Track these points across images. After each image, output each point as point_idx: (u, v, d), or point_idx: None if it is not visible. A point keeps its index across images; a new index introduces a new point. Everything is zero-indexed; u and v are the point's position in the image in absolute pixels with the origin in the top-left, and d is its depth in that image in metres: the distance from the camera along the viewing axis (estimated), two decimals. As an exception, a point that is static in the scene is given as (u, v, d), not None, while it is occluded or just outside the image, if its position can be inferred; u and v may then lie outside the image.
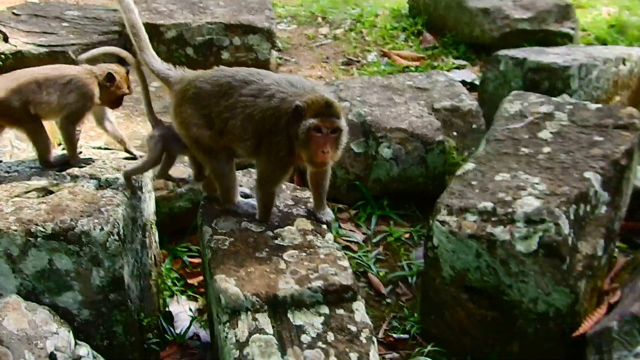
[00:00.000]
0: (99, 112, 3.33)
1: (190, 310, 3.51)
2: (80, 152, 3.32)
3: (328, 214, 3.09)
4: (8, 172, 3.17)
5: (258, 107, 2.79)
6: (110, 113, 3.37)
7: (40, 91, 3.10)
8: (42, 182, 3.07)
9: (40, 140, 3.19)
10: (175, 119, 2.99)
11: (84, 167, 3.20)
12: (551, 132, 3.60)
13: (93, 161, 3.27)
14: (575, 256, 3.04)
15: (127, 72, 3.23)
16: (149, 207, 3.39)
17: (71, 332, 2.78)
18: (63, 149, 3.33)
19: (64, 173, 3.15)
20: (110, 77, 3.16)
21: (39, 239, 2.75)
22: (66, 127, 3.18)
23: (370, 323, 2.66)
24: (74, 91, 3.12)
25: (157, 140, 3.06)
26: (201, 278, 3.69)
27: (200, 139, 2.94)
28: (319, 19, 7.51)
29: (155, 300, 3.43)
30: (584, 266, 3.06)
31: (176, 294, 3.63)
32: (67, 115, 3.16)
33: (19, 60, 5.80)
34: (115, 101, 3.26)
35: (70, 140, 3.20)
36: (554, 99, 3.95)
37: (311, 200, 3.14)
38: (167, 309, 3.52)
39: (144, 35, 3.14)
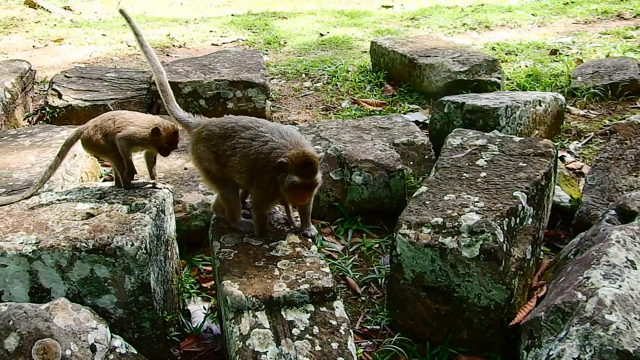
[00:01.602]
0: (150, 153, 3.28)
1: (205, 308, 3.40)
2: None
3: (312, 230, 3.02)
4: (59, 200, 3.10)
5: (253, 148, 2.75)
6: (157, 156, 3.32)
7: (113, 125, 3.10)
8: (85, 207, 3.01)
9: (120, 166, 3.18)
10: (192, 154, 2.99)
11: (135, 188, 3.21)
12: (486, 161, 3.53)
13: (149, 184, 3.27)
14: (509, 259, 2.96)
15: (176, 132, 3.14)
16: (171, 226, 3.29)
17: (108, 327, 2.69)
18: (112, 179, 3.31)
19: (102, 200, 3.07)
20: (154, 131, 3.09)
21: (82, 252, 2.70)
22: (121, 147, 3.11)
23: (348, 318, 2.58)
24: (132, 128, 3.09)
25: None
26: (213, 282, 3.59)
27: (210, 170, 2.91)
28: (303, 75, 7.47)
29: (176, 301, 3.33)
30: (516, 267, 2.98)
31: (193, 296, 3.51)
32: (121, 138, 3.08)
33: (70, 112, 5.83)
34: (160, 150, 3.17)
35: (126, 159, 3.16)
36: (486, 134, 3.89)
37: (299, 219, 3.06)
38: (185, 308, 3.41)
39: (170, 91, 3.14)
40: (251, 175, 2.78)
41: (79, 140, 3.18)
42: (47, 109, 5.81)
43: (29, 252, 2.69)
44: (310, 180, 2.68)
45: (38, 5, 11.44)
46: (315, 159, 2.69)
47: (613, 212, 3.13)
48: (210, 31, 10.07)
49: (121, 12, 3.26)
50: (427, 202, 3.19)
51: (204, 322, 3.28)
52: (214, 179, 2.93)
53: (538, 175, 3.31)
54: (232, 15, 11.70)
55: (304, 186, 2.68)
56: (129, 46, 9.02)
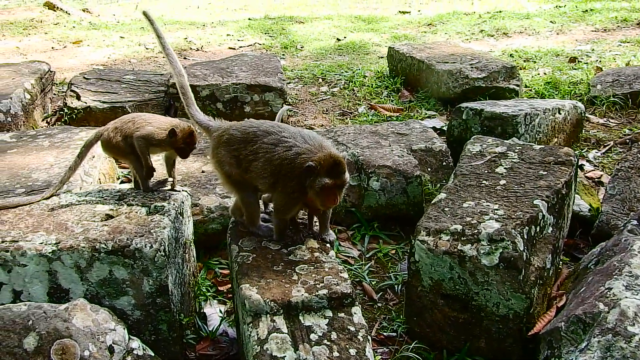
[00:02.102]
0: (170, 156, 3.28)
1: (220, 311, 3.40)
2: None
3: (331, 235, 3.01)
4: (78, 201, 3.12)
5: (276, 154, 2.74)
6: (175, 159, 3.31)
7: (133, 127, 3.11)
8: (105, 209, 3.02)
9: (138, 168, 3.18)
10: (212, 158, 2.98)
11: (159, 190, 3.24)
12: (505, 168, 3.51)
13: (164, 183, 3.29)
14: (529, 268, 2.93)
15: (192, 132, 3.12)
16: (188, 228, 3.30)
17: (126, 329, 2.70)
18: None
19: (121, 201, 3.09)
20: (171, 132, 3.08)
21: (102, 254, 2.71)
22: (139, 147, 3.11)
23: (366, 324, 2.56)
24: (149, 128, 3.10)
25: None
26: (229, 286, 3.59)
27: (231, 174, 2.91)
28: (320, 80, 7.49)
29: (192, 304, 3.33)
30: (536, 276, 2.95)
31: (209, 299, 3.52)
32: (139, 137, 3.09)
33: (88, 113, 5.88)
34: (178, 151, 3.17)
35: (144, 158, 3.15)
36: (506, 141, 3.87)
37: (317, 224, 3.06)
38: (201, 311, 3.42)
39: (191, 95, 3.14)
40: (274, 181, 2.78)
41: (99, 142, 3.20)
42: (66, 110, 5.86)
43: (49, 253, 2.71)
44: (340, 180, 2.68)
45: (57, 7, 11.56)
46: (342, 160, 2.70)
47: (635, 222, 3.10)
48: (228, 35, 10.12)
49: (144, 14, 3.27)
50: (446, 209, 3.17)
51: (219, 325, 3.29)
52: (234, 183, 2.93)
53: (559, 183, 3.29)
54: (249, 19, 11.75)
55: (334, 187, 2.68)
56: (146, 49, 9.09)
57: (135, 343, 2.69)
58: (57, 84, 7.15)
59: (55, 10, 11.43)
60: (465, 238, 2.95)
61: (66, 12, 11.47)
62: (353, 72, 7.62)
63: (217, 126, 3.01)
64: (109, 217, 2.97)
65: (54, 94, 6.77)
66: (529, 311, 2.88)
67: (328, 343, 2.43)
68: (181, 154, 3.17)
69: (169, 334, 2.90)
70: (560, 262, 3.52)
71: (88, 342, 2.51)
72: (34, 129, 5.67)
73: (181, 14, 12.81)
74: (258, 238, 2.96)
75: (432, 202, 3.31)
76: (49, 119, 6.16)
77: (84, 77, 6.42)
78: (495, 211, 3.09)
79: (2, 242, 2.76)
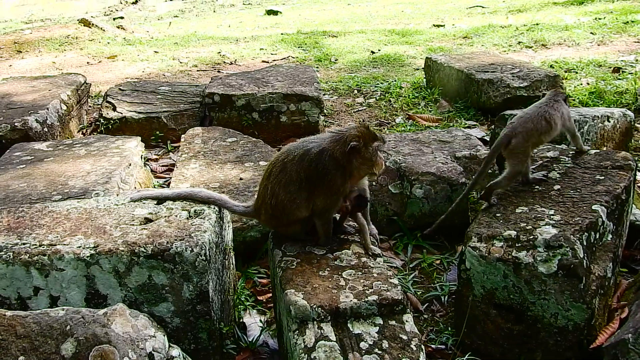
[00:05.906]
0: None
1: (260, 321, 3.30)
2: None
3: (373, 228, 2.96)
4: (117, 205, 3.06)
5: (304, 163, 2.74)
6: None
7: None
8: (144, 212, 2.96)
9: None
10: (268, 225, 3.08)
11: None
12: (559, 173, 3.37)
13: None
14: (589, 277, 2.77)
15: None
16: (228, 234, 3.23)
17: (165, 336, 2.59)
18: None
19: (160, 205, 3.02)
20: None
21: (141, 258, 2.63)
22: None
23: (419, 333, 2.43)
24: None
25: None
26: (269, 295, 3.50)
27: (277, 218, 2.90)
28: (355, 91, 7.41)
29: (232, 313, 3.24)
30: (597, 286, 2.79)
31: (248, 308, 3.43)
32: None
33: (124, 124, 5.89)
34: None
35: None
36: (557, 146, 3.72)
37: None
38: (241, 320, 3.32)
39: (221, 196, 3.07)
40: (309, 190, 2.73)
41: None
42: (102, 121, 5.88)
43: (87, 257, 2.64)
44: (382, 138, 2.77)
45: (92, 24, 11.74)
46: (368, 125, 2.77)
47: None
48: (261, 49, 10.13)
49: (133, 200, 3.10)
50: (497, 215, 3.03)
51: (260, 335, 3.18)
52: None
53: (618, 188, 3.12)
54: (281, 33, 11.77)
55: (383, 146, 2.77)
56: (180, 63, 9.14)
57: (176, 351, 2.59)
58: (92, 97, 7.21)
59: (90, 27, 11.60)
60: (520, 244, 2.80)
61: (101, 28, 11.64)
62: (389, 84, 7.52)
63: (252, 203, 3.01)
64: (148, 220, 2.90)
65: (89, 107, 6.81)
66: (590, 322, 2.72)
67: (379, 352, 2.30)
68: None
69: (209, 342, 2.80)
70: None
71: (127, 348, 2.41)
72: (70, 139, 5.69)
73: (213, 32, 12.91)
74: (302, 243, 2.87)
75: (482, 207, 3.17)
76: (84, 130, 6.19)
77: (119, 89, 6.45)
78: (551, 217, 2.94)
79: (40, 245, 2.71)
